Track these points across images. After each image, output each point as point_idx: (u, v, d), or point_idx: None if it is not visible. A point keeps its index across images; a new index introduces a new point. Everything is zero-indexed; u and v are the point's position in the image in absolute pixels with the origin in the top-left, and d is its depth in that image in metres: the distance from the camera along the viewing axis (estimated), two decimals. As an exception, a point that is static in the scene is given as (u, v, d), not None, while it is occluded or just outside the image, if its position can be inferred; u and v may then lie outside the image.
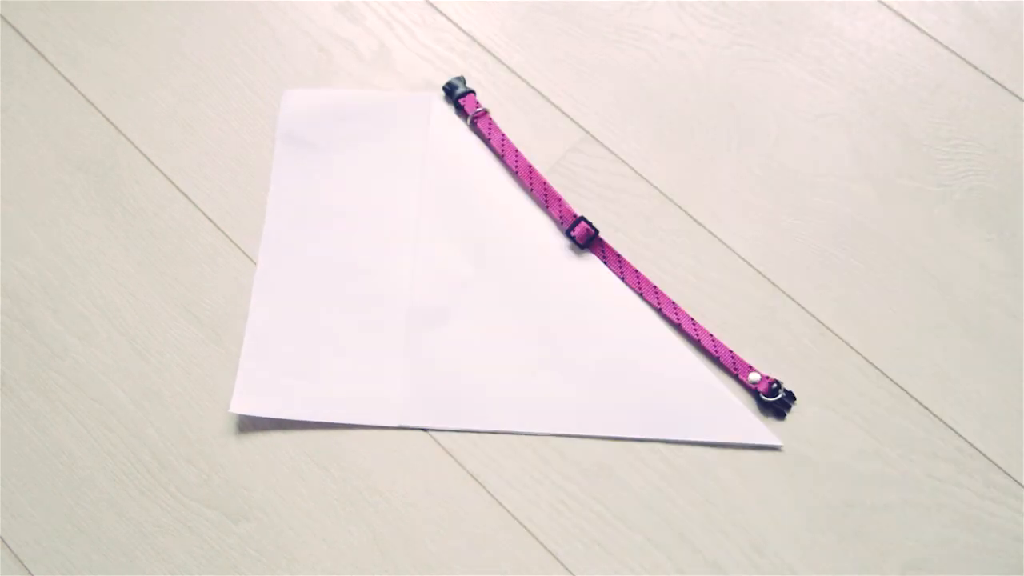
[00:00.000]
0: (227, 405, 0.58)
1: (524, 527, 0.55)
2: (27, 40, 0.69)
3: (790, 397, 0.57)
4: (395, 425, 0.57)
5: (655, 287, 0.60)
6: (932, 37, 0.67)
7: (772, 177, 0.63)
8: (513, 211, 0.62)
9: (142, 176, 0.64)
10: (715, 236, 0.62)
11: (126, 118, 0.66)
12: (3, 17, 0.70)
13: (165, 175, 0.64)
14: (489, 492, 0.56)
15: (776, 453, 0.56)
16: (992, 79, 0.66)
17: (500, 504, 0.55)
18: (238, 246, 0.62)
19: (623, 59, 0.67)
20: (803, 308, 0.60)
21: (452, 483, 0.56)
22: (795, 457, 0.56)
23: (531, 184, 0.62)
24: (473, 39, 0.68)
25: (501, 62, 0.67)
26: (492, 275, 0.60)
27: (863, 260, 0.61)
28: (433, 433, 0.57)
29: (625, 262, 0.60)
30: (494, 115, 0.65)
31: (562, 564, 0.54)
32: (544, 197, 0.62)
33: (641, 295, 0.60)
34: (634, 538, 0.54)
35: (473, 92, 0.65)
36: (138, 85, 0.67)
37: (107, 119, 0.66)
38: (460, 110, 0.65)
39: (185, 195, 0.64)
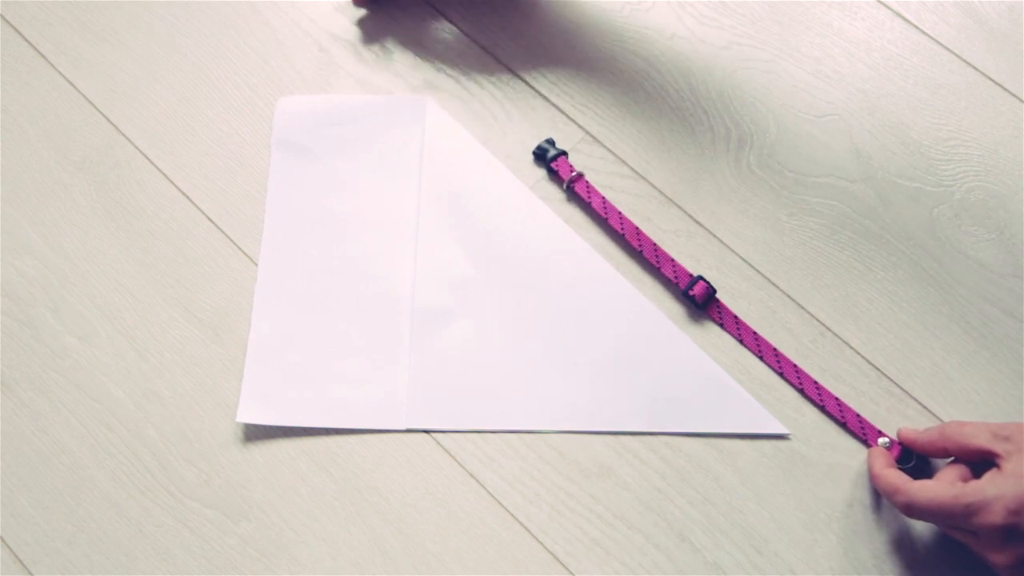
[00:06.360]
0: (228, 405, 0.58)
1: (524, 527, 0.55)
2: (27, 40, 0.69)
3: (923, 460, 0.54)
4: (402, 428, 0.57)
5: (775, 349, 0.58)
6: (932, 37, 0.67)
7: (772, 177, 0.63)
8: (514, 209, 0.62)
9: (142, 176, 0.64)
10: (715, 236, 0.62)
11: (126, 118, 0.66)
12: (3, 17, 0.70)
13: (165, 175, 0.64)
14: (489, 492, 0.56)
15: (776, 453, 0.56)
16: (992, 79, 0.66)
17: (500, 504, 0.55)
18: (238, 246, 0.62)
19: (623, 59, 0.67)
20: (803, 308, 0.60)
21: (452, 483, 0.56)
22: (795, 457, 0.56)
23: (640, 246, 0.60)
24: (473, 40, 0.68)
25: (501, 62, 0.67)
26: (494, 274, 0.60)
27: (863, 260, 0.61)
28: (434, 433, 0.57)
29: (743, 324, 0.59)
30: (495, 116, 0.65)
31: (562, 564, 0.54)
32: (655, 258, 0.60)
33: (761, 357, 0.58)
34: (634, 538, 0.54)
35: (566, 154, 0.63)
36: (138, 85, 0.67)
37: (107, 119, 0.66)
38: (553, 174, 0.63)
39: (185, 195, 0.64)
